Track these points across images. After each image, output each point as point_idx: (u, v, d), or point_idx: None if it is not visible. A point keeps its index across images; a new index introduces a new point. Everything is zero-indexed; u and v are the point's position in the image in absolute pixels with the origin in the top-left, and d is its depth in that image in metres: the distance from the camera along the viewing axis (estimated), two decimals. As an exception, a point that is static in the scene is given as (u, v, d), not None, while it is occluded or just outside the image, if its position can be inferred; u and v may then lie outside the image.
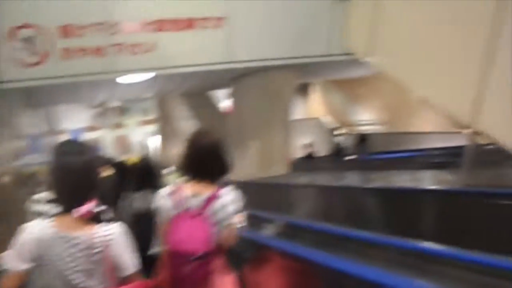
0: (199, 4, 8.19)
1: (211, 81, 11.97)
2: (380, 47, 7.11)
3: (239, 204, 3.00)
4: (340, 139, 16.60)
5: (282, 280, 3.76)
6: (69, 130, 22.56)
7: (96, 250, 2.32)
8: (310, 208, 8.57)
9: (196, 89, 13.79)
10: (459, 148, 12.02)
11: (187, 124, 17.03)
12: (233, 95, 12.50)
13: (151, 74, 9.64)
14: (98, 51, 7.63)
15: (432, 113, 18.45)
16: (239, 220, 2.94)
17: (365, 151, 16.08)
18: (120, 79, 9.63)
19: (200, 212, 2.89)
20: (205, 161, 2.85)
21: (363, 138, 16.86)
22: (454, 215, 5.01)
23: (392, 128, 20.58)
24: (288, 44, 8.81)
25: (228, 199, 2.97)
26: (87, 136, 22.33)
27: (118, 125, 26.65)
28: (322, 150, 18.48)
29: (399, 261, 3.37)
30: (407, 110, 20.09)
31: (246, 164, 12.03)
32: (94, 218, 2.37)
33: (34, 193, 3.65)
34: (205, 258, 2.83)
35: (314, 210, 8.39)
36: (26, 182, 8.83)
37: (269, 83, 11.27)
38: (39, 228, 2.33)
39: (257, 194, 10.50)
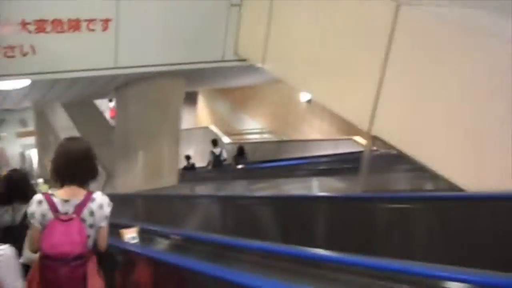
0: (85, 3, 7.61)
1: (94, 89, 11.40)
2: (274, 53, 6.98)
3: (109, 208, 3.25)
4: (219, 150, 16.60)
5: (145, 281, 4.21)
6: None
7: None
8: (201, 219, 8.21)
9: (78, 97, 13.07)
10: (347, 154, 12.50)
11: (69, 135, 16.25)
12: (117, 104, 11.97)
13: (28, 81, 8.99)
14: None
15: (319, 121, 18.86)
16: (131, 236, 3.48)
17: (244, 162, 16.34)
18: None
19: (71, 217, 3.05)
20: (75, 167, 2.92)
21: (241, 149, 17.05)
22: (353, 221, 4.95)
23: (280, 136, 20.72)
24: (180, 49, 8.44)
25: (98, 203, 3.18)
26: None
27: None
28: (205, 160, 18.25)
29: (291, 268, 3.31)
30: (294, 118, 20.32)
31: (133, 175, 11.60)
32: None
33: None
34: (81, 259, 3.05)
35: (204, 221, 8.05)
36: None
37: (156, 91, 10.88)
38: None
39: (146, 206, 10.16)
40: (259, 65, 7.28)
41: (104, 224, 3.24)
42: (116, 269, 4.02)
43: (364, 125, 5.26)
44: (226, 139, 20.20)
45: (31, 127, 24.82)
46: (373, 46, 5.08)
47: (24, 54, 7.22)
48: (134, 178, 11.57)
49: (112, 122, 16.38)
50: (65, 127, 16.36)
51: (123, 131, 11.87)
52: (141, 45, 8.09)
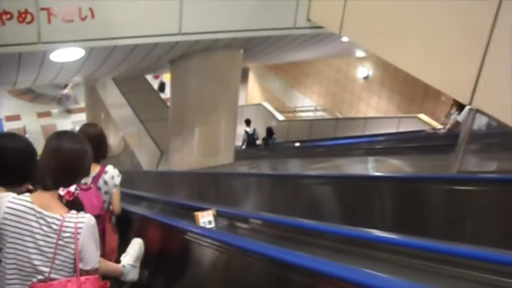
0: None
1: (148, 63, 10.89)
2: (355, 18, 6.29)
3: (119, 178, 4.20)
4: (252, 129, 16.26)
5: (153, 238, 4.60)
6: None
7: (66, 235, 2.39)
8: (260, 199, 7.80)
9: (131, 72, 12.59)
10: (412, 133, 11.80)
11: (120, 112, 15.91)
12: (173, 78, 11.46)
13: (82, 52, 8.54)
14: (22, 16, 6.43)
15: (376, 98, 18.14)
16: (206, 219, 4.17)
17: (272, 143, 16.33)
18: (52, 56, 8.42)
19: (90, 186, 3.89)
20: (93, 147, 2.92)
21: (270, 130, 16.84)
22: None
23: (334, 115, 20.07)
24: (248, 14, 7.80)
25: (110, 175, 4.13)
26: (10, 126, 20.79)
27: (44, 114, 25.22)
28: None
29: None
30: (350, 95, 19.64)
31: (188, 153, 11.18)
32: (70, 203, 2.50)
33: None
34: (99, 219, 3.59)
35: (264, 200, 7.64)
36: None
37: (214, 64, 10.34)
38: (15, 199, 2.42)
39: (201, 184, 9.71)
40: (336, 31, 6.60)
41: (115, 190, 4.17)
42: (130, 229, 4.98)
43: (463, 97, 4.60)
44: (279, 117, 19.64)
45: (81, 104, 24.93)
46: (478, 11, 4.37)
47: (83, 18, 6.72)
48: (189, 155, 11.12)
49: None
50: (116, 104, 16.03)
51: (178, 107, 11.36)
52: (207, 9, 7.49)
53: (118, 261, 3.50)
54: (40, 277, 2.41)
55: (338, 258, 3.18)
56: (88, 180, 3.90)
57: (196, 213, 4.30)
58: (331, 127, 16.57)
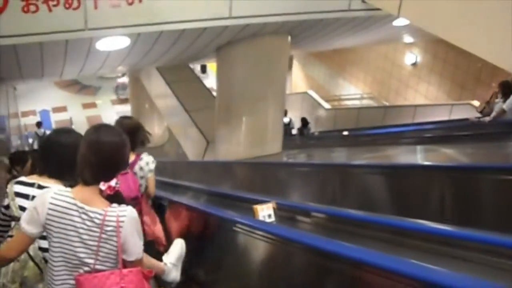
0: None
1: (194, 51, 10.71)
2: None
3: (153, 164, 4.58)
4: (288, 119, 16.11)
5: (184, 221, 5.36)
6: (36, 112, 21.33)
7: (109, 228, 2.44)
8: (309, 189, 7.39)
9: (176, 61, 12.41)
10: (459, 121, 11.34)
11: (165, 102, 15.81)
12: (219, 66, 11.25)
13: (128, 41, 8.39)
14: (69, 2, 6.27)
15: (425, 85, 17.62)
16: (266, 213, 4.11)
17: (307, 133, 16.15)
18: (98, 44, 8.31)
19: (127, 171, 4.21)
20: (129, 137, 2.90)
21: (304, 120, 16.69)
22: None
23: (381, 103, 19.61)
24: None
25: (145, 161, 4.53)
26: (56, 117, 21.03)
27: (90, 105, 25.44)
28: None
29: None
30: (398, 83, 19.14)
31: (235, 142, 10.98)
32: (113, 196, 2.68)
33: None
34: (135, 200, 4.24)
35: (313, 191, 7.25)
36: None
37: (261, 51, 10.09)
38: (58, 195, 2.47)
39: (249, 175, 9.46)
40: (394, 13, 6.24)
41: (150, 175, 4.57)
42: (164, 211, 5.70)
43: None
44: (325, 105, 19.28)
45: (124, 95, 25.16)
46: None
47: (130, 3, 6.54)
48: (236, 145, 10.91)
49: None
50: (160, 94, 15.92)
51: (225, 95, 11.17)
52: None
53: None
54: (86, 268, 2.47)
55: (410, 254, 2.97)
56: None
57: (255, 206, 4.06)
58: (380, 116, 16.10)
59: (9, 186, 3.17)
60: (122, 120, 4.40)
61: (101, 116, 24.77)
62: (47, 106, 22.94)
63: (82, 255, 2.44)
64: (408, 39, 16.50)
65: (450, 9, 5.29)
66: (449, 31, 5.46)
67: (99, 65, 10.58)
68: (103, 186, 2.65)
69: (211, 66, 25.12)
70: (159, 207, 5.50)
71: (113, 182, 2.78)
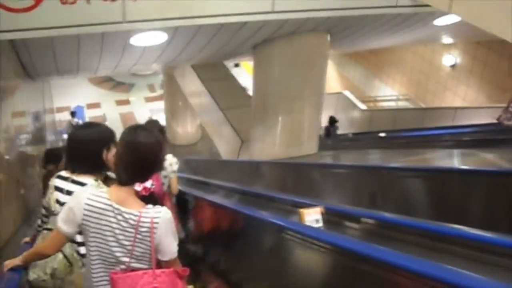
0: None
1: (231, 48, 10.54)
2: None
3: (177, 165, 5.28)
4: None
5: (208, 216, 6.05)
6: (70, 108, 21.46)
7: (143, 229, 2.49)
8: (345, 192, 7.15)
9: (212, 58, 12.27)
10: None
11: (199, 100, 15.67)
12: (256, 64, 11.06)
13: (165, 36, 8.26)
14: (106, -6, 6.14)
15: (464, 87, 17.20)
16: (313, 218, 3.81)
17: (335, 133, 15.78)
18: (134, 40, 8.21)
19: None
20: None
21: (332, 119, 16.15)
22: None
23: (418, 105, 19.21)
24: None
25: (169, 162, 5.20)
26: (90, 114, 21.15)
27: (123, 102, 25.49)
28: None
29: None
30: (435, 85, 18.72)
31: (270, 142, 10.77)
32: (146, 197, 2.63)
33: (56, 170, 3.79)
34: (161, 197, 5.04)
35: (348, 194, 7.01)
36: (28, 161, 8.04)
37: (300, 49, 9.86)
38: (94, 196, 2.54)
39: (283, 175, 9.23)
40: (444, 9, 5.97)
41: (173, 175, 5.23)
42: (188, 208, 6.32)
43: None
44: (361, 106, 18.97)
45: (158, 92, 25.31)
46: None
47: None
48: (271, 145, 10.71)
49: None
50: (195, 92, 15.79)
51: (261, 94, 10.96)
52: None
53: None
54: (122, 266, 2.53)
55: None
56: None
57: (301, 210, 3.83)
58: (418, 118, 15.75)
59: (52, 179, 3.32)
60: (154, 120, 5.21)
61: (134, 113, 24.94)
62: (81, 102, 23.07)
63: (118, 254, 2.51)
64: (447, 40, 16.11)
65: (506, 5, 5.01)
66: (504, 28, 5.17)
67: (134, 61, 10.48)
68: (138, 187, 2.66)
69: (244, 64, 25.00)
70: (184, 202, 6.29)
71: (148, 183, 2.75)
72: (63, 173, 3.28)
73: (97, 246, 2.53)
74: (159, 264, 2.59)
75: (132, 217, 2.50)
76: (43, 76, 11.39)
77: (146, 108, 25.00)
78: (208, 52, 10.46)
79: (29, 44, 7.33)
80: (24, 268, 3.04)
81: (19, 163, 7.01)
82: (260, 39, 9.78)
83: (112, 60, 9.90)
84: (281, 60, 10.06)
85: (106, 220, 2.51)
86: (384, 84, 22.01)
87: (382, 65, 21.87)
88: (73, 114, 19.80)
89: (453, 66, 17.74)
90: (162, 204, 4.16)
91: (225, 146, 13.85)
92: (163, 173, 5.12)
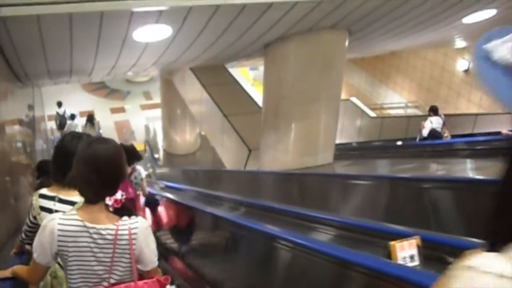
0: None
1: (239, 48, 9.69)
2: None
3: (145, 172, 6.89)
4: None
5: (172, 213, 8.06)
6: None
7: (122, 242, 2.43)
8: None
9: (218, 59, 11.41)
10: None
11: (200, 107, 14.69)
12: (267, 65, 10.15)
13: (170, 30, 7.38)
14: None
15: (479, 94, 16.35)
16: (408, 254, 3.11)
17: None
18: (136, 35, 7.34)
19: (127, 179, 5.94)
20: (128, 153, 3.96)
21: None
22: None
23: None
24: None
25: (138, 171, 6.55)
26: (84, 121, 20.32)
27: (118, 109, 24.65)
28: (344, 136, 16.35)
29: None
30: (447, 91, 17.89)
31: (283, 151, 9.87)
32: (121, 209, 2.52)
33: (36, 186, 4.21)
34: (132, 200, 6.08)
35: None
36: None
37: (318, 48, 9.00)
38: (65, 221, 2.43)
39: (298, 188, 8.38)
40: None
41: (142, 181, 6.61)
42: (156, 205, 7.88)
43: None
44: (370, 113, 18.13)
45: (155, 100, 24.30)
46: None
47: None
48: (284, 154, 9.82)
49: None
50: (195, 98, 14.79)
51: (273, 98, 10.05)
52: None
53: None
54: (105, 283, 2.45)
55: None
56: None
57: (392, 243, 2.84)
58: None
59: (34, 199, 3.23)
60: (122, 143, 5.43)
61: (129, 121, 24.13)
62: (74, 110, 22.20)
63: (100, 272, 2.43)
64: (460, 43, 15.36)
65: None
66: None
67: (134, 61, 9.63)
68: (109, 201, 2.50)
69: (242, 71, 24.19)
70: (153, 200, 7.72)
71: (118, 195, 2.53)
72: (46, 191, 3.21)
73: (79, 269, 2.44)
74: (141, 275, 2.54)
75: (110, 232, 2.42)
76: (33, 78, 10.51)
77: (142, 116, 24.15)
78: (213, 51, 9.64)
79: (14, 35, 6.40)
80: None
81: (9, 171, 6.76)
82: (274, 36, 8.90)
83: (109, 59, 9.01)
84: (297, 60, 9.18)
85: (83, 242, 2.41)
86: (392, 91, 21.20)
87: (389, 71, 21.09)
88: (59, 104, 19.61)
89: (466, 71, 16.94)
90: (135, 205, 6.19)
91: (229, 156, 12.86)
92: (134, 180, 6.46)
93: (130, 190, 6.14)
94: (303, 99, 9.32)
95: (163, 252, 7.24)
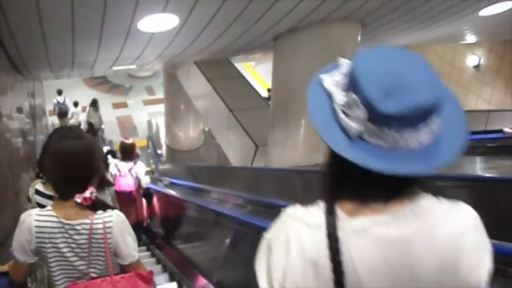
0: None
1: (248, 40, 9.37)
2: None
3: (145, 168, 7.47)
4: None
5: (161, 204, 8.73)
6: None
7: (98, 236, 2.41)
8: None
9: (226, 50, 11.02)
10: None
11: (205, 102, 14.38)
12: (276, 59, 9.81)
13: (177, 20, 7.06)
14: None
15: (490, 90, 16.05)
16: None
17: None
18: (141, 25, 7.04)
19: (126, 174, 7.03)
20: (127, 152, 7.04)
21: None
22: None
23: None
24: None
25: (139, 166, 7.22)
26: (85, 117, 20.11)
27: (120, 105, 24.34)
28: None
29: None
30: (456, 87, 17.54)
31: (293, 147, 9.50)
32: (93, 204, 2.45)
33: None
34: (133, 192, 7.06)
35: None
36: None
37: (329, 41, 8.65)
38: (41, 217, 2.40)
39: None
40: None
41: (142, 177, 7.20)
42: (152, 198, 8.69)
43: None
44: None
45: (157, 95, 24.17)
46: None
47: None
48: (293, 150, 9.45)
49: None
50: (200, 93, 14.47)
51: (283, 92, 9.71)
52: None
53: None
54: (86, 277, 2.44)
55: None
56: (125, 170, 7.00)
57: None
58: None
59: (30, 191, 3.35)
60: (123, 143, 7.30)
61: (132, 116, 23.83)
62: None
63: (81, 267, 2.42)
64: (471, 38, 15.03)
65: None
66: None
67: (138, 53, 9.25)
68: (78, 199, 2.42)
69: (246, 65, 23.86)
70: (149, 193, 8.41)
71: (87, 193, 2.43)
72: (42, 188, 3.28)
73: (59, 265, 2.43)
74: (123, 269, 2.54)
75: (84, 226, 2.40)
76: (34, 70, 10.23)
77: (145, 112, 23.84)
78: (220, 44, 9.32)
79: (13, 24, 6.13)
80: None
81: (9, 166, 6.77)
82: (284, 27, 8.57)
83: (113, 50, 8.71)
84: (308, 52, 8.79)
85: (60, 238, 2.39)
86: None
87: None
88: (60, 92, 19.62)
89: (476, 67, 16.62)
90: (135, 196, 7.17)
91: (235, 152, 12.54)
92: (135, 175, 7.14)
93: (130, 182, 7.03)
94: (313, 94, 8.97)
95: (155, 241, 8.69)
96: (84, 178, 2.45)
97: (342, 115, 1.24)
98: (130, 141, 7.44)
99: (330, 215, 1.26)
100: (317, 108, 1.32)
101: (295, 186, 7.92)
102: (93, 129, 18.73)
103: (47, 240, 2.39)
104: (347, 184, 1.31)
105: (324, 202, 1.32)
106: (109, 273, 2.46)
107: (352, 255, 1.20)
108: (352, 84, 1.24)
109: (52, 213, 2.41)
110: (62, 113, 19.22)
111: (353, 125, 1.20)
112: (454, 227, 1.20)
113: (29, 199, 3.56)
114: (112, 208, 2.59)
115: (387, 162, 1.16)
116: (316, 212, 1.31)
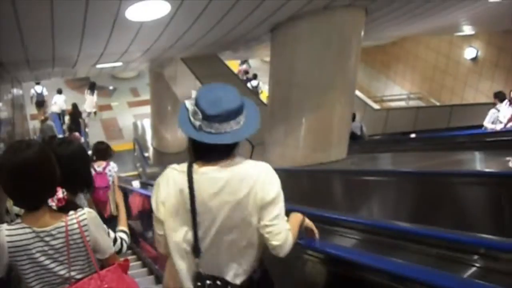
0: None
1: (243, 31, 8.81)
2: None
3: (117, 168, 7.61)
4: None
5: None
6: (46, 113, 19.84)
7: (75, 236, 2.43)
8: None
9: (219, 43, 10.42)
10: None
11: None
12: (275, 50, 9.22)
13: (168, 7, 6.47)
14: None
15: (489, 83, 15.55)
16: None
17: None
18: (129, 13, 6.39)
19: (102, 172, 7.28)
20: (100, 152, 7.44)
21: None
22: None
23: (432, 103, 17.62)
24: None
25: (112, 166, 7.47)
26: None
27: (104, 107, 23.94)
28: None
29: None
30: (453, 81, 17.08)
31: (293, 145, 8.93)
32: (65, 205, 2.46)
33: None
34: (106, 188, 7.26)
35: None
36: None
37: (332, 30, 8.11)
38: (12, 231, 2.36)
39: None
40: None
41: (115, 174, 7.45)
42: (127, 197, 9.11)
43: None
44: (374, 105, 17.34)
45: (142, 97, 23.85)
46: None
47: None
48: (294, 149, 8.90)
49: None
50: (189, 93, 13.75)
51: (282, 86, 9.10)
52: None
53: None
54: (69, 282, 2.46)
55: None
56: (100, 169, 7.33)
57: None
58: (444, 116, 14.04)
59: (8, 203, 3.43)
60: (97, 145, 7.76)
61: (117, 119, 23.30)
62: (57, 109, 21.31)
63: (62, 272, 2.43)
64: (468, 30, 14.56)
65: None
66: None
67: (125, 46, 8.69)
68: (52, 202, 2.40)
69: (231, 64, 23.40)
70: (125, 193, 7.98)
71: (60, 193, 2.39)
72: None
73: (37, 276, 2.39)
74: (102, 265, 2.57)
75: (60, 230, 2.40)
76: (10, 68, 9.58)
77: (130, 114, 23.27)
78: (215, 35, 8.75)
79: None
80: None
81: None
82: (284, 15, 7.95)
83: (97, 44, 8.08)
84: (308, 44, 8.26)
85: (36, 248, 2.36)
86: (392, 82, 20.45)
87: (389, 61, 20.35)
88: (59, 91, 20.19)
89: (474, 59, 16.12)
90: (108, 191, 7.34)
91: (228, 152, 11.96)
92: (109, 173, 7.40)
93: (105, 179, 7.37)
94: (317, 87, 8.38)
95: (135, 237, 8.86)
96: (44, 185, 2.40)
97: (192, 118, 2.35)
98: (104, 145, 7.91)
99: (190, 166, 2.34)
100: (182, 116, 2.39)
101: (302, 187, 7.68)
102: (76, 112, 19.59)
103: (22, 253, 2.36)
104: (197, 152, 2.38)
105: (188, 161, 2.36)
106: (91, 272, 2.52)
107: (199, 186, 2.30)
108: (196, 102, 2.34)
109: (24, 224, 2.38)
110: (39, 102, 19.81)
111: (197, 122, 2.31)
112: (253, 171, 2.33)
113: (7, 211, 3.53)
114: (81, 207, 2.58)
115: (213, 139, 2.28)
116: (183, 165, 2.38)
